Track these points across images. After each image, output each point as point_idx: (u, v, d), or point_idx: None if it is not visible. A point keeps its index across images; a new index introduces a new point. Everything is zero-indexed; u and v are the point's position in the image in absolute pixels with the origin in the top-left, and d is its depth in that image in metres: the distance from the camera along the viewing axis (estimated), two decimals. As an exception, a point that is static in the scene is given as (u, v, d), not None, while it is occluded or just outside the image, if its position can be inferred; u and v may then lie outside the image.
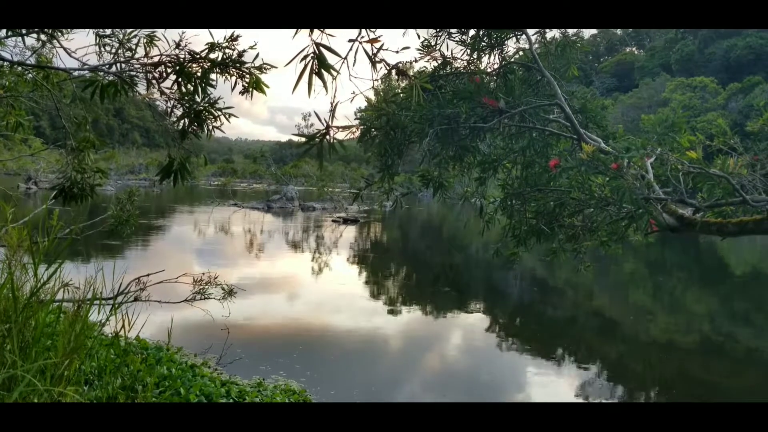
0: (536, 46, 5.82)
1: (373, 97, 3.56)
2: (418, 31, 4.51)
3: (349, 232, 26.46)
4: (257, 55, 3.58)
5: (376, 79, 2.84)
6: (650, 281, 18.89)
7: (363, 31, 2.75)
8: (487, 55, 5.67)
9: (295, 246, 21.71)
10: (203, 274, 8.37)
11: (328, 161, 50.40)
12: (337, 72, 2.61)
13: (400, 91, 5.20)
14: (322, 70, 2.56)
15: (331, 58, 2.58)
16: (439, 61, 5.61)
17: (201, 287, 8.09)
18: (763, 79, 65.36)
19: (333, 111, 2.86)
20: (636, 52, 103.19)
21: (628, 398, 7.96)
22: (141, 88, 4.00)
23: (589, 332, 11.84)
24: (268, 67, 3.56)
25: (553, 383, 8.37)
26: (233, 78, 3.64)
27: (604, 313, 14.16)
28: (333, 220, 30.37)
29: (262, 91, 3.61)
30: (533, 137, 5.44)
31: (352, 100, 3.09)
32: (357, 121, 4.88)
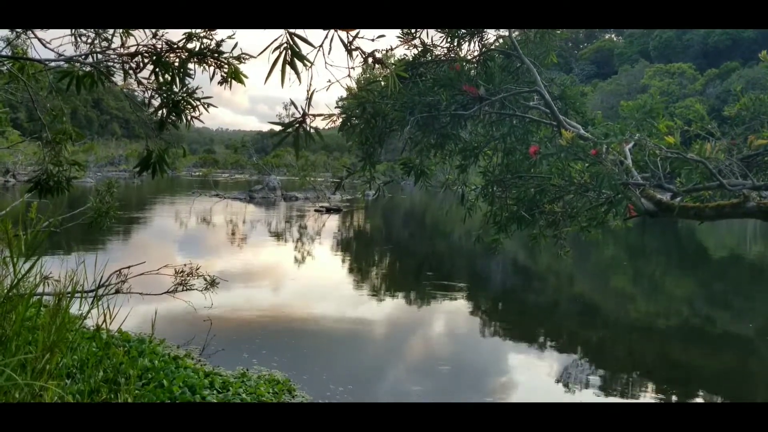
0: (516, 33, 5.84)
1: (353, 85, 3.55)
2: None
3: (332, 222, 26.44)
4: (235, 45, 3.56)
5: (352, 67, 2.84)
6: (630, 266, 19.12)
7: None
8: (467, 43, 5.68)
9: (278, 236, 21.65)
10: (185, 265, 8.34)
11: (310, 151, 50.19)
12: (311, 63, 2.60)
13: (381, 79, 5.20)
14: (296, 60, 2.55)
15: (305, 47, 2.58)
16: (420, 49, 5.61)
17: (183, 278, 8.06)
18: (740, 65, 66.03)
19: (309, 99, 2.85)
20: (615, 39, 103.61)
21: (609, 380, 8.08)
22: (118, 78, 3.96)
23: (571, 317, 11.97)
24: (247, 57, 3.54)
25: (535, 367, 8.46)
26: (211, 68, 3.61)
27: (585, 297, 14.32)
28: (316, 210, 30.31)
29: (241, 81, 3.58)
30: (513, 124, 5.47)
31: (328, 89, 3.09)
32: (338, 110, 4.86)
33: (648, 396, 7.61)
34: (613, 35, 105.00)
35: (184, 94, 3.69)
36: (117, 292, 7.20)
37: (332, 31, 2.67)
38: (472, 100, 4.96)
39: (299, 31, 2.57)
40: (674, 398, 7.55)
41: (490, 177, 5.40)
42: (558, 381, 7.95)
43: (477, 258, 18.07)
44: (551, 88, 5.64)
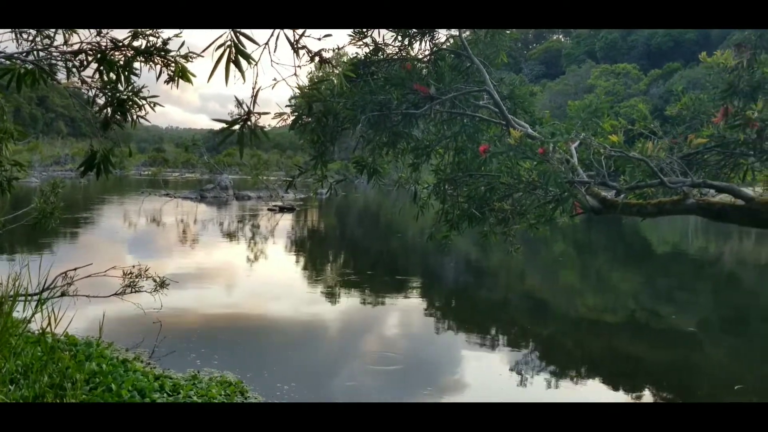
0: (466, 33, 5.91)
1: (301, 84, 3.54)
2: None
3: (286, 221, 26.25)
4: (183, 44, 3.51)
5: (298, 66, 2.84)
6: (578, 262, 19.61)
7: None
8: (418, 42, 5.73)
9: (231, 235, 21.38)
10: (133, 266, 8.18)
11: (262, 149, 49.66)
12: (255, 61, 2.60)
13: (333, 77, 5.20)
14: (240, 58, 2.53)
15: (251, 45, 2.57)
16: (371, 48, 5.63)
17: (131, 280, 7.90)
18: (681, 66, 68.34)
19: (254, 97, 2.84)
20: (563, 40, 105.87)
21: (559, 374, 8.27)
22: (61, 76, 3.86)
23: (521, 312, 12.20)
24: (194, 55, 3.50)
25: (487, 362, 8.59)
26: (158, 66, 3.55)
27: (535, 293, 14.61)
28: (269, 209, 30.03)
29: (188, 80, 3.54)
30: (464, 123, 5.54)
31: (273, 87, 3.08)
32: (289, 108, 4.84)
33: (595, 388, 7.83)
34: (560, 36, 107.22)
35: (130, 93, 3.62)
36: (63, 294, 7.03)
37: (278, 29, 2.67)
38: (423, 99, 5.01)
39: (245, 29, 2.56)
40: (621, 390, 7.78)
41: (442, 175, 5.46)
42: (510, 375, 8.10)
43: (430, 256, 18.22)
44: (500, 88, 5.74)
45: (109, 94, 3.63)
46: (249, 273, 14.70)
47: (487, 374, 8.17)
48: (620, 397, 7.56)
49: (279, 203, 31.11)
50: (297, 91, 3.76)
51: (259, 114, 2.87)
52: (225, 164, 43.58)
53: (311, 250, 20.05)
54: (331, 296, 12.43)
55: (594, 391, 7.68)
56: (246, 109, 2.88)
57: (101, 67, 3.52)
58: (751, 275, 17.93)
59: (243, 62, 2.56)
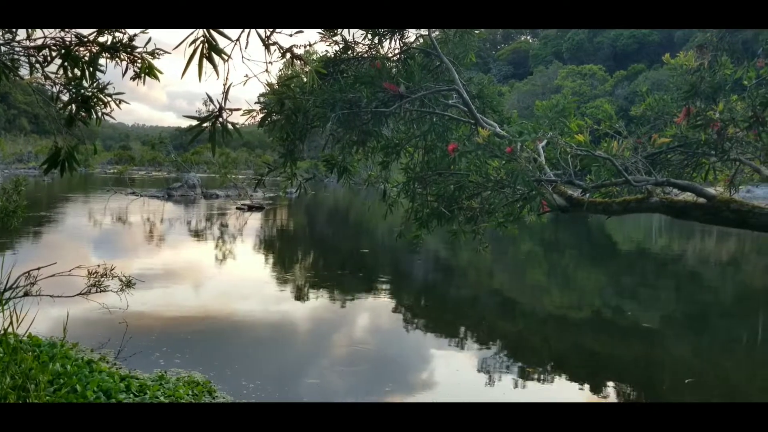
0: (435, 32, 5.95)
1: (272, 80, 3.53)
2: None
3: (255, 220, 26.05)
4: (149, 40, 3.47)
5: (270, 62, 2.83)
6: (545, 260, 19.87)
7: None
8: (388, 41, 5.75)
9: (198, 235, 21.15)
10: (98, 266, 8.03)
11: (231, 148, 49.18)
12: (228, 56, 2.58)
13: (302, 75, 5.18)
14: (213, 54, 2.52)
15: (222, 41, 2.55)
16: (341, 46, 5.62)
17: (96, 279, 7.76)
18: (646, 67, 69.67)
19: (226, 94, 2.82)
20: (530, 41, 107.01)
21: (527, 370, 8.37)
22: (24, 72, 3.78)
23: (490, 310, 12.32)
24: (161, 52, 3.45)
25: (456, 359, 8.66)
26: (124, 63, 3.50)
27: (504, 291, 14.76)
28: (237, 208, 29.76)
29: (155, 77, 3.50)
30: (434, 122, 5.57)
31: (245, 84, 3.06)
32: (258, 106, 4.81)
33: (561, 384, 7.94)
34: (528, 37, 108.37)
35: (95, 90, 3.57)
36: (26, 294, 6.88)
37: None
38: (393, 98, 5.03)
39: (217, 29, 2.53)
40: (585, 385, 7.91)
41: (412, 174, 5.49)
42: (478, 372, 8.17)
43: (400, 254, 18.27)
44: (469, 87, 5.79)
45: (74, 90, 3.57)
46: (217, 272, 14.56)
47: (455, 372, 8.23)
48: (586, 392, 7.69)
49: (248, 202, 30.86)
50: (268, 88, 3.74)
51: (231, 110, 2.86)
52: (193, 162, 43.07)
53: (280, 249, 19.94)
54: (300, 295, 12.39)
55: (560, 387, 7.80)
56: (217, 106, 2.86)
57: (65, 63, 3.45)
58: (712, 273, 18.37)
59: (216, 58, 2.54)
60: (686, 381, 8.06)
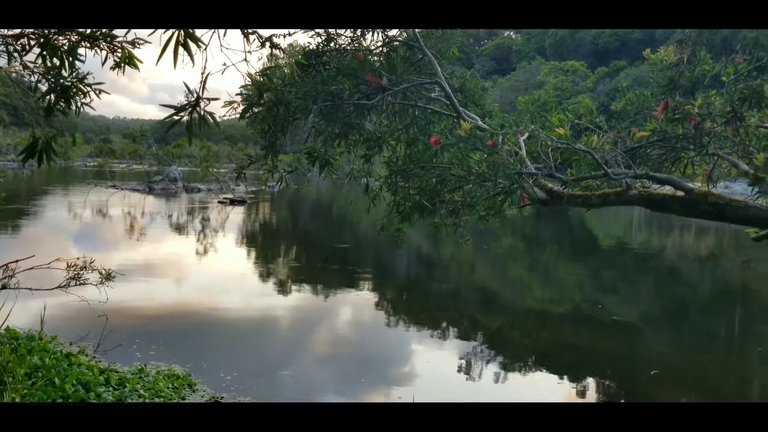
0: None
1: (251, 70, 3.50)
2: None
3: (237, 213, 25.92)
4: (128, 29, 3.42)
5: (249, 51, 2.80)
6: (526, 254, 19.99)
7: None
8: (371, 33, 5.72)
9: (180, 228, 20.99)
10: (78, 258, 7.93)
11: (212, 141, 48.83)
12: (205, 44, 2.55)
13: (284, 66, 5.15)
14: (189, 42, 2.48)
15: (200, 29, 2.52)
16: (323, 38, 5.59)
17: (76, 272, 7.66)
18: (627, 64, 70.25)
19: (204, 83, 2.79)
20: (513, 37, 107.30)
21: (508, 365, 8.42)
22: (2, 61, 3.72)
23: (472, 304, 12.38)
24: (141, 41, 3.41)
25: (438, 354, 8.69)
26: (104, 52, 3.46)
27: (485, 285, 14.83)
28: (219, 201, 29.60)
29: (135, 66, 3.45)
30: (416, 115, 5.57)
31: (223, 72, 3.03)
32: (239, 97, 4.78)
33: (543, 377, 8.01)
34: (511, 33, 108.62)
35: (74, 80, 3.52)
36: (3, 287, 6.78)
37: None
38: (376, 90, 5.01)
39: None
40: (566, 379, 7.98)
41: (394, 167, 5.48)
42: (460, 366, 8.20)
43: (382, 248, 18.28)
44: (452, 81, 5.79)
45: (53, 80, 3.52)
46: (198, 266, 14.48)
47: (438, 365, 8.26)
48: (565, 385, 7.76)
49: (230, 196, 30.68)
50: (247, 78, 3.70)
51: (209, 100, 2.82)
52: (174, 156, 42.75)
53: (263, 243, 19.87)
54: (282, 289, 12.35)
55: (541, 380, 7.86)
56: (195, 95, 2.82)
57: (44, 52, 3.40)
58: (691, 267, 18.61)
59: (193, 46, 2.51)
60: (652, 372, 8.17)
